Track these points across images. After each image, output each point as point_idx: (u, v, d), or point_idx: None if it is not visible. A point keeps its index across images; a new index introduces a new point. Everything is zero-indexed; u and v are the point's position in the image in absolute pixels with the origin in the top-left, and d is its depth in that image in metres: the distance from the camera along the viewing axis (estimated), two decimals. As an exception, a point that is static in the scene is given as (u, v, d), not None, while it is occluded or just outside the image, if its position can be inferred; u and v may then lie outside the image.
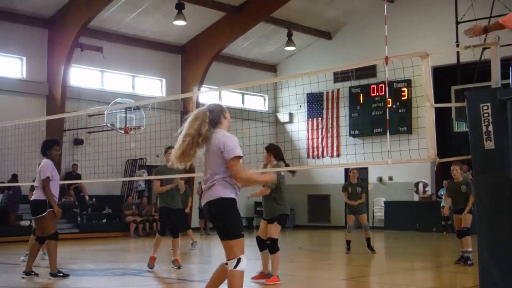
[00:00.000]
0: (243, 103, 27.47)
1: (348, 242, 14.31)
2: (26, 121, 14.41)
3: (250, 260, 13.38)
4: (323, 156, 26.43)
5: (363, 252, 14.27)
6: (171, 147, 11.06)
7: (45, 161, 9.82)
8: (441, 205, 21.19)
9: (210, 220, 5.71)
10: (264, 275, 9.08)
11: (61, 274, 9.67)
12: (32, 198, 9.81)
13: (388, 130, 7.91)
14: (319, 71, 10.75)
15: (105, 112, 19.82)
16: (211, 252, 16.29)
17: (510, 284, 5.82)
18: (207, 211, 5.63)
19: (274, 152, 9.13)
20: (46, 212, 9.61)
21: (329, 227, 25.93)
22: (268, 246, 8.98)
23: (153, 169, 15.16)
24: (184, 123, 5.72)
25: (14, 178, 18.74)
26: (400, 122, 23.53)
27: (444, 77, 20.38)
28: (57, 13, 20.87)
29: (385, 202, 24.58)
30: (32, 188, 10.37)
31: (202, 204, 5.64)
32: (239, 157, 5.72)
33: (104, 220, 21.30)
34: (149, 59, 23.99)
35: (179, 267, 10.88)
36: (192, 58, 24.52)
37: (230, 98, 26.80)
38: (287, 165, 9.17)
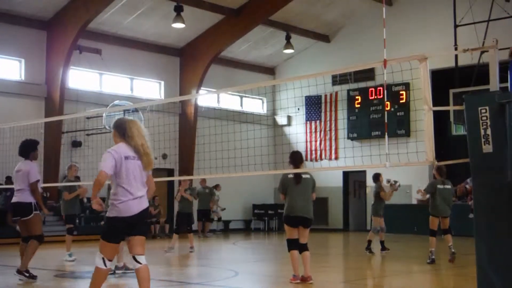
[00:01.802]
0: (241, 105, 27.48)
1: (382, 243, 15.15)
2: (24, 123, 14.41)
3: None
4: (321, 159, 26.44)
5: (361, 254, 14.28)
6: None
7: (32, 163, 9.68)
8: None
9: (142, 223, 6.32)
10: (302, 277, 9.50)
11: (28, 275, 9.50)
12: (16, 200, 9.60)
13: (386, 133, 7.91)
14: (317, 74, 10.76)
15: (104, 114, 19.80)
16: (210, 254, 16.27)
17: (508, 287, 5.83)
18: (142, 216, 6.22)
19: (289, 159, 9.76)
20: (32, 215, 9.52)
21: (327, 230, 25.92)
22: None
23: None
24: (136, 129, 6.28)
25: (9, 179, 18.72)
26: (398, 125, 23.55)
27: (442, 80, 20.41)
28: (56, 15, 20.87)
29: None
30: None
31: (137, 211, 6.12)
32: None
33: (102, 222, 21.24)
34: (148, 62, 23.99)
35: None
36: (190, 61, 24.52)
37: (228, 101, 26.82)
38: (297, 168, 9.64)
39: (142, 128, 6.32)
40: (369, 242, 14.81)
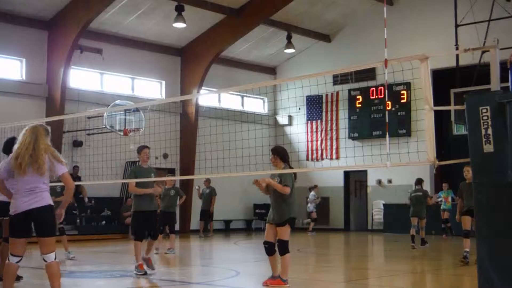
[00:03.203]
0: (242, 105, 27.47)
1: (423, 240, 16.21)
2: (25, 122, 14.34)
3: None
4: (322, 159, 26.44)
5: (362, 254, 14.28)
6: (146, 147, 11.00)
7: None
8: (441, 207, 21.24)
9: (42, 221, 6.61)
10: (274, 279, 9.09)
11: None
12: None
13: (387, 133, 7.91)
14: (319, 74, 10.75)
15: (105, 114, 19.80)
16: (213, 254, 16.28)
17: (508, 286, 5.83)
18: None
19: (280, 154, 9.14)
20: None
21: (328, 230, 25.92)
22: (279, 247, 8.97)
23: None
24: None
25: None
26: (399, 124, 23.54)
27: (443, 80, 20.39)
28: (57, 15, 20.88)
29: (384, 205, 24.59)
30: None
31: (27, 208, 6.48)
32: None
33: (103, 222, 21.28)
34: (149, 61, 23.99)
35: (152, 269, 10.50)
36: (191, 60, 24.53)
37: (229, 100, 26.81)
38: (291, 168, 9.25)
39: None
40: (423, 240, 16.04)
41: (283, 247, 8.92)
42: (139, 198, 10.61)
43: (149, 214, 10.67)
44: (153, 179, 10.69)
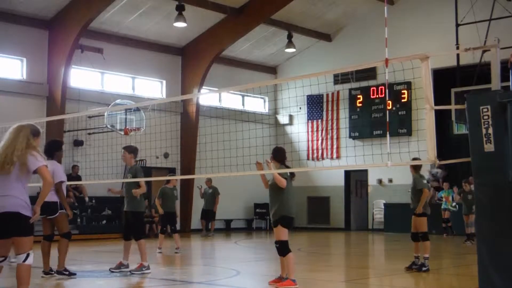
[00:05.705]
0: (243, 104, 27.47)
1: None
2: (26, 122, 14.41)
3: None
4: (323, 158, 26.44)
5: (362, 253, 14.28)
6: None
7: (56, 163, 9.88)
8: (442, 207, 21.25)
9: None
10: (280, 279, 9.07)
11: (67, 273, 9.75)
12: None
13: (388, 132, 7.91)
14: (319, 73, 10.75)
15: (105, 114, 19.81)
16: (214, 253, 16.28)
17: (509, 286, 5.83)
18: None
19: (276, 156, 9.20)
20: (58, 213, 9.68)
21: (329, 229, 25.92)
22: (278, 248, 8.97)
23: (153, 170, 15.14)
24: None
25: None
26: (400, 124, 23.54)
27: (444, 79, 20.39)
28: (58, 14, 20.88)
29: (385, 204, 24.58)
30: None
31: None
32: None
33: (104, 222, 21.28)
34: (149, 61, 23.99)
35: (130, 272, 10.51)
36: (192, 60, 24.52)
37: (230, 100, 26.81)
38: (287, 167, 9.23)
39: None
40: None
41: (282, 248, 8.91)
42: None
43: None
44: (145, 179, 10.77)
